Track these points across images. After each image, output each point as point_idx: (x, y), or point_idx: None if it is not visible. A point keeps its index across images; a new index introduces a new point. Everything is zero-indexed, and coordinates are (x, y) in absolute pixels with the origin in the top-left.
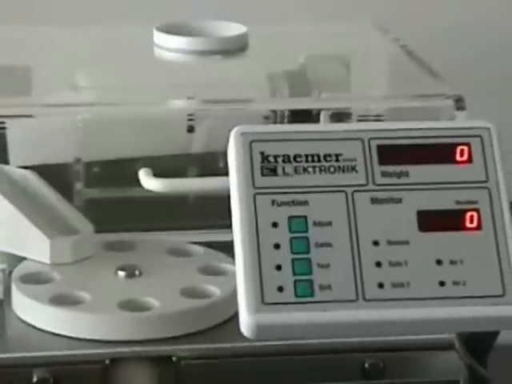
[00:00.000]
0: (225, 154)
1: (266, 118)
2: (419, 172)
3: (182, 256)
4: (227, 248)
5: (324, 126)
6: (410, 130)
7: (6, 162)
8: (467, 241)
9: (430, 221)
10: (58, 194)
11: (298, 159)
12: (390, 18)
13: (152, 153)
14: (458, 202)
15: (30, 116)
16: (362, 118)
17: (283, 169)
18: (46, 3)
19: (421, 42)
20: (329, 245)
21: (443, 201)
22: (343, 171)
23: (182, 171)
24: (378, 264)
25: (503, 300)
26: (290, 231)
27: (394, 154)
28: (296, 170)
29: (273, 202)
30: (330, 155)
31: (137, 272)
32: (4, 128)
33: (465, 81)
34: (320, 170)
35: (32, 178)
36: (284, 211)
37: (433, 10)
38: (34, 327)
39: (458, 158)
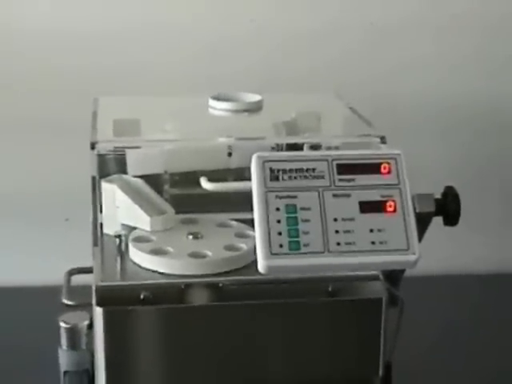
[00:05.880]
0: (249, 169)
1: (273, 148)
2: (360, 179)
3: (225, 227)
4: (251, 222)
5: (306, 152)
6: (355, 154)
7: (125, 173)
8: (388, 218)
9: (367, 207)
10: (154, 191)
11: (291, 171)
12: (342, 89)
13: (207, 168)
14: (382, 196)
15: (139, 147)
16: (327, 148)
17: (282, 177)
18: (147, 84)
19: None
20: (309, 221)
21: (374, 195)
22: (317, 178)
23: (225, 178)
24: (337, 231)
25: (407, 252)
26: (287, 213)
27: (346, 168)
28: (290, 178)
29: (276, 196)
30: (309, 169)
31: (199, 236)
32: (124, 154)
33: (387, 126)
34: (304, 178)
35: (140, 182)
36: (283, 201)
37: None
38: (141, 267)
39: (382, 170)
